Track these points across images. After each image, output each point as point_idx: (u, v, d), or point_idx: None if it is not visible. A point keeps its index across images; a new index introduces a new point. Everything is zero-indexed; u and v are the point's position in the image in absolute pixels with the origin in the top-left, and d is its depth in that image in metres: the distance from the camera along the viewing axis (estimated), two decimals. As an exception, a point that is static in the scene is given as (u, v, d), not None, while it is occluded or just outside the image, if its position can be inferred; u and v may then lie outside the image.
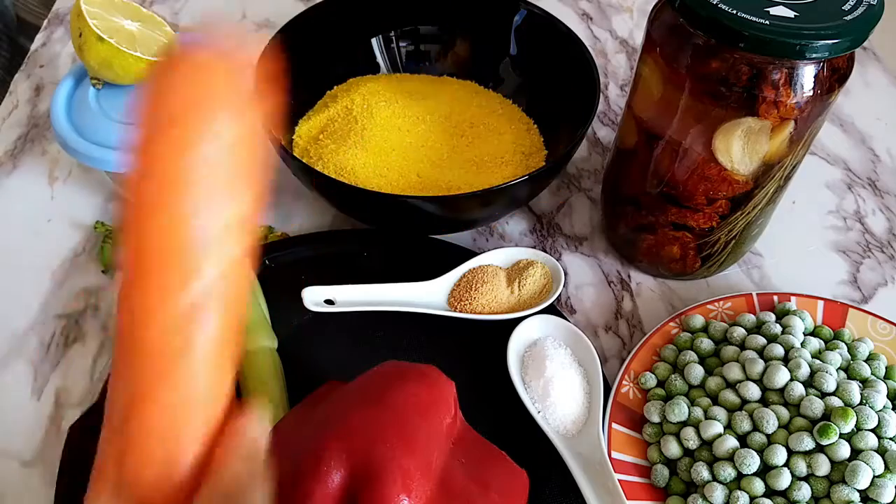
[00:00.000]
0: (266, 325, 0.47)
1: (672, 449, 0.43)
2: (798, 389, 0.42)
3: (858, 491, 0.39)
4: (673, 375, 0.46)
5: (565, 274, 0.52)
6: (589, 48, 0.56)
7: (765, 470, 0.41)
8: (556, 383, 0.45)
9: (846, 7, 0.39)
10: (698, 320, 0.49)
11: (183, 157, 0.22)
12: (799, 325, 0.47)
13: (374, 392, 0.34)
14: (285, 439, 0.33)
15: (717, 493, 0.41)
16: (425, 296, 0.49)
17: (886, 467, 0.40)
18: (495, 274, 0.50)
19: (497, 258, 0.51)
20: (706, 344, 0.47)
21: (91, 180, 0.60)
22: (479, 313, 0.48)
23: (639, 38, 0.55)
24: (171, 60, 0.23)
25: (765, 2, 0.39)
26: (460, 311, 0.48)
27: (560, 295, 0.52)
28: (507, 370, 0.46)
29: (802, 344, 0.46)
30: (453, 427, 0.35)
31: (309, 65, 0.59)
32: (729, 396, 0.44)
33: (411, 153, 0.55)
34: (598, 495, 0.41)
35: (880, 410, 0.42)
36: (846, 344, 0.47)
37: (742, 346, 0.47)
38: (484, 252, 0.51)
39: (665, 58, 0.42)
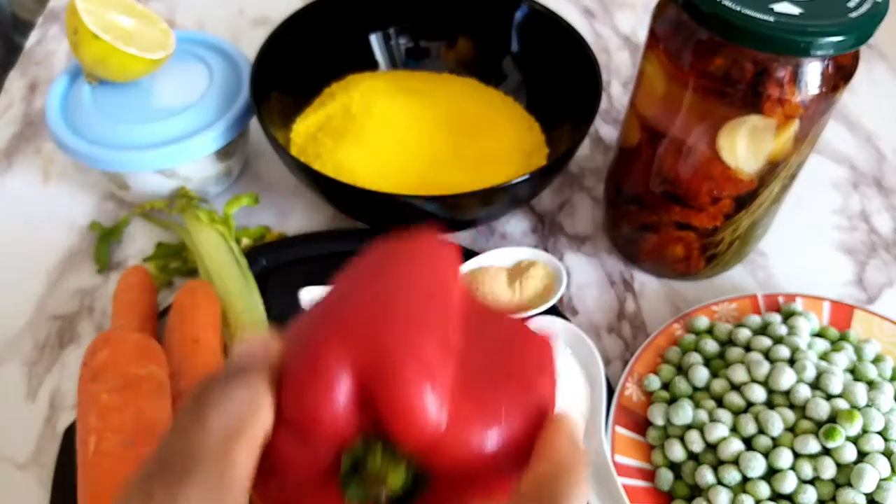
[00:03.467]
0: (264, 325, 0.46)
1: (676, 452, 0.42)
2: (804, 391, 0.42)
3: (864, 494, 0.39)
4: (677, 377, 0.45)
5: (567, 274, 0.52)
6: (591, 45, 0.56)
7: (770, 473, 0.40)
8: (558, 385, 0.44)
9: (851, 4, 0.38)
10: (703, 321, 0.48)
11: None
12: (805, 327, 0.46)
13: (368, 276, 0.27)
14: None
15: (722, 496, 0.40)
16: (425, 296, 0.49)
17: (893, 470, 0.39)
18: (496, 274, 0.49)
19: (498, 258, 0.51)
20: (711, 345, 0.47)
21: (86, 179, 0.59)
22: (480, 314, 0.48)
23: (642, 35, 0.55)
24: None
25: (770, -2, 0.38)
26: (461, 312, 0.48)
27: (562, 296, 0.52)
28: (508, 372, 0.45)
29: (808, 345, 0.45)
30: (463, 300, 0.29)
31: (307, 61, 0.59)
32: (734, 399, 0.43)
33: (411, 152, 0.54)
34: (601, 499, 0.40)
35: (887, 413, 0.41)
36: (852, 345, 0.46)
37: (747, 347, 0.46)
38: (484, 252, 0.51)
39: (669, 55, 0.41)
